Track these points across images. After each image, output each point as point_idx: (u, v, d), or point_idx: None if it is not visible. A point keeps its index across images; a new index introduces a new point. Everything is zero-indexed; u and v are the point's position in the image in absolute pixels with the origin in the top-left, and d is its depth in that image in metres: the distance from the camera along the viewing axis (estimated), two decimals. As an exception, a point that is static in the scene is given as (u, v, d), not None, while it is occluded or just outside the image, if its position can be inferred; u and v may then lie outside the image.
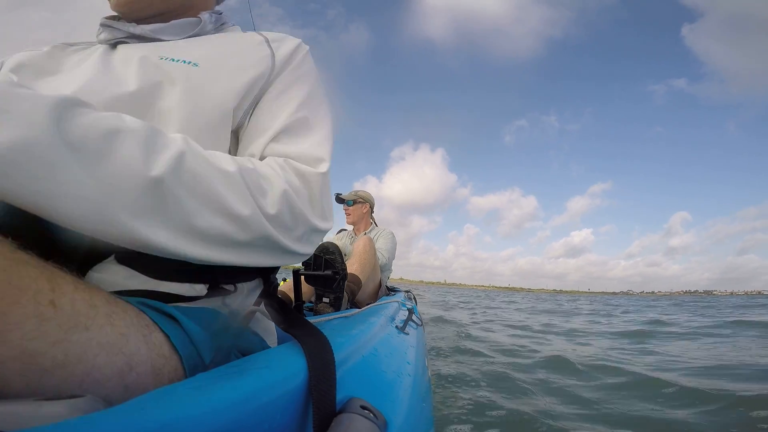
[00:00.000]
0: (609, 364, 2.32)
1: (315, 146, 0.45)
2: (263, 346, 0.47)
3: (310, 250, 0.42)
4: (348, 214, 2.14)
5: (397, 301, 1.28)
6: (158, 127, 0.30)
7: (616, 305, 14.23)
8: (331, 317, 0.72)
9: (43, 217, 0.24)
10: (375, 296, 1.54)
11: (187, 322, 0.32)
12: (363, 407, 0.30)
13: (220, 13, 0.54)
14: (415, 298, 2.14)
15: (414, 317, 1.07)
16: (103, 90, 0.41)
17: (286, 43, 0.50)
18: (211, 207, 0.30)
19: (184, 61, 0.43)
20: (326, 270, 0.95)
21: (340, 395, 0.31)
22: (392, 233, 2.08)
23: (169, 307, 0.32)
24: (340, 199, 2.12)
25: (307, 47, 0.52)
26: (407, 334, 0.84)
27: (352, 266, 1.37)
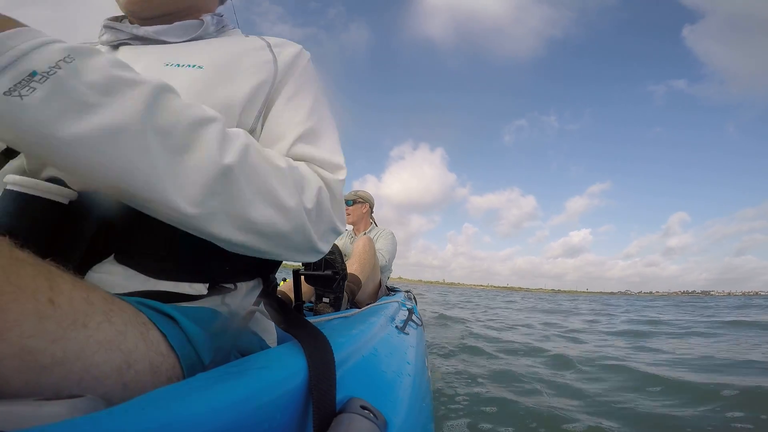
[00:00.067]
0: (622, 363, 2.31)
1: (332, 153, 0.47)
2: (263, 346, 0.47)
3: (327, 248, 0.44)
4: (348, 214, 2.14)
5: (397, 301, 1.28)
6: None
7: (617, 305, 14.26)
8: (331, 317, 0.72)
9: (113, 194, 0.27)
10: (375, 296, 1.54)
11: (184, 321, 0.32)
12: (363, 407, 0.30)
13: (221, 16, 0.55)
14: (415, 298, 2.14)
15: (414, 317, 1.07)
16: None
17: (288, 48, 0.51)
18: (264, 197, 0.33)
19: (189, 65, 0.43)
20: (326, 270, 0.95)
21: (340, 395, 0.31)
22: (392, 233, 2.08)
23: (167, 307, 0.32)
24: (339, 199, 2.12)
25: (309, 54, 0.53)
26: (407, 334, 0.84)
27: (352, 266, 1.37)
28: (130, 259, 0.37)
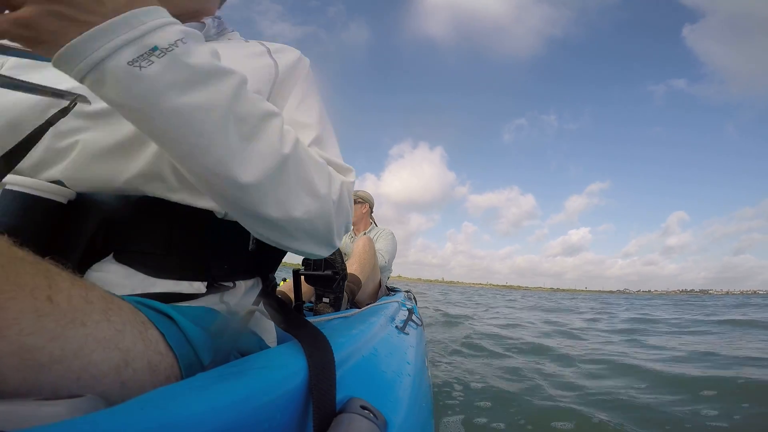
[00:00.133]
0: (631, 362, 2.32)
1: (339, 157, 0.48)
2: (262, 346, 0.47)
3: (339, 244, 0.46)
4: (349, 215, 2.14)
5: (397, 301, 1.28)
6: None
7: (617, 303, 14.29)
8: (331, 317, 0.72)
9: (183, 166, 0.30)
10: (375, 296, 1.54)
11: (183, 321, 0.32)
12: (363, 407, 0.30)
13: (220, 18, 0.55)
14: (414, 298, 2.14)
15: (414, 317, 1.07)
16: None
17: (288, 54, 0.51)
18: (304, 186, 0.36)
19: None
20: (326, 270, 0.95)
21: (340, 395, 0.31)
22: (392, 233, 2.08)
23: (166, 306, 0.32)
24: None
25: (308, 60, 0.53)
26: (407, 334, 0.84)
27: (352, 266, 1.37)
28: (129, 258, 0.37)
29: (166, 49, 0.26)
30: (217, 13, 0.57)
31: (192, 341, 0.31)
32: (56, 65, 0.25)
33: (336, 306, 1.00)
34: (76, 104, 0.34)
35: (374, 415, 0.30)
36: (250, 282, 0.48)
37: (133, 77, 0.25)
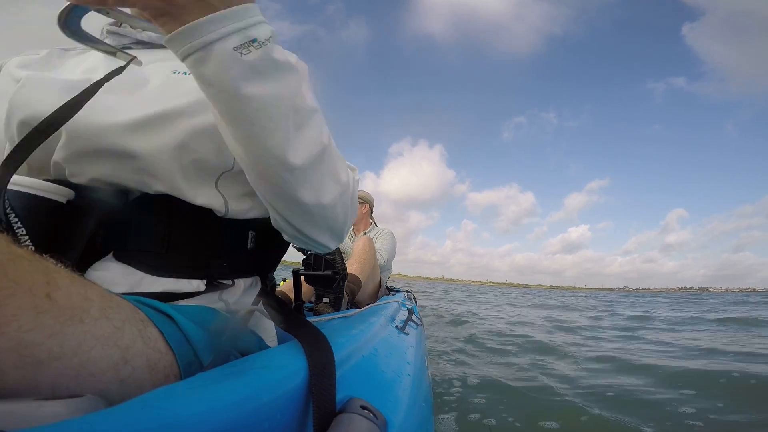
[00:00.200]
0: (643, 361, 2.33)
1: (342, 158, 0.49)
2: (262, 345, 0.47)
3: (344, 239, 0.49)
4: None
5: (397, 301, 1.28)
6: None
7: (619, 302, 14.31)
8: (331, 317, 0.72)
9: (245, 145, 0.34)
10: (375, 296, 1.54)
11: (182, 320, 0.32)
12: (363, 407, 0.30)
13: None
14: (414, 298, 2.14)
15: (414, 317, 1.07)
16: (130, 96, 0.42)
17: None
18: (332, 175, 0.40)
19: None
20: (326, 270, 0.95)
21: (340, 395, 0.31)
22: (392, 233, 2.08)
23: (165, 305, 0.32)
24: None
25: (306, 65, 0.54)
26: (407, 334, 0.84)
27: (352, 266, 1.37)
28: (128, 257, 0.38)
29: (263, 42, 0.30)
30: None
31: (191, 340, 0.31)
32: (170, 40, 0.29)
33: (336, 306, 1.00)
34: (130, 63, 0.40)
35: (374, 415, 0.30)
36: (248, 281, 0.48)
37: (234, 61, 0.29)
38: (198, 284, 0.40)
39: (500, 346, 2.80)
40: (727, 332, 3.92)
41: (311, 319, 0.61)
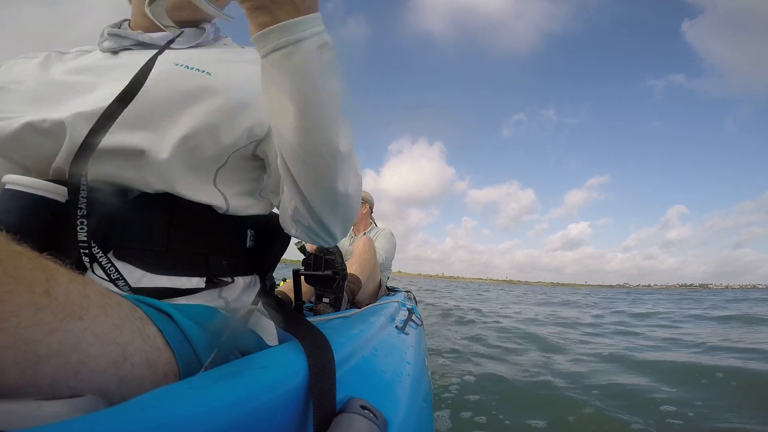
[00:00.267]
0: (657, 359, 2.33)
1: None
2: (262, 345, 0.47)
3: (347, 234, 0.51)
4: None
5: (397, 301, 1.28)
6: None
7: (621, 299, 14.32)
8: (331, 317, 0.72)
9: (305, 135, 0.36)
10: (375, 296, 1.54)
11: (181, 318, 0.32)
12: (363, 407, 0.30)
13: (216, 25, 0.56)
14: (415, 298, 2.14)
15: (414, 317, 1.07)
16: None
17: None
18: (355, 168, 0.43)
19: (199, 70, 0.44)
20: (326, 270, 0.95)
21: (340, 395, 0.31)
22: (391, 233, 2.08)
23: (165, 304, 0.32)
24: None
25: None
26: (407, 334, 0.84)
27: (352, 266, 1.37)
28: (128, 255, 0.38)
29: (332, 46, 0.35)
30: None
31: (190, 338, 0.32)
32: (267, 33, 0.32)
33: (336, 306, 1.00)
34: (179, 36, 0.46)
35: (374, 414, 0.30)
36: (248, 279, 0.48)
37: (316, 58, 0.33)
38: (198, 281, 0.40)
39: (503, 344, 2.80)
40: (730, 329, 3.93)
41: (311, 319, 0.61)
